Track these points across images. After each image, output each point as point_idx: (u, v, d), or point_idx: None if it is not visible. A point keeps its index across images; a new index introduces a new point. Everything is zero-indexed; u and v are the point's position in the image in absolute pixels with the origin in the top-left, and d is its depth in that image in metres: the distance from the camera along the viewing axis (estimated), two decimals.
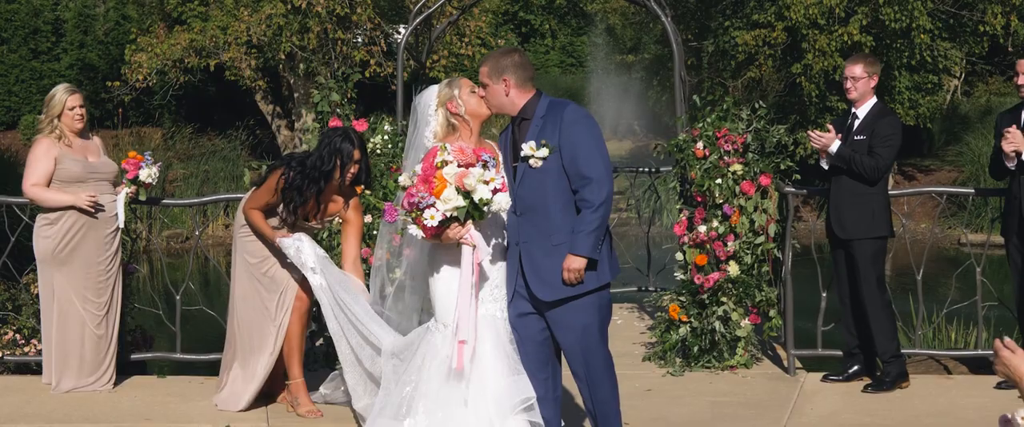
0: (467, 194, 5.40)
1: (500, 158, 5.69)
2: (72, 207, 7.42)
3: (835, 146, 7.35)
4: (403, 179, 5.63)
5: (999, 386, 7.32)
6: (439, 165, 5.48)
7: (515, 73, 5.58)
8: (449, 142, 5.67)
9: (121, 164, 7.76)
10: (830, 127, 7.45)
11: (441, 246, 5.65)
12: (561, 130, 5.47)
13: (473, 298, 5.57)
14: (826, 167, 7.48)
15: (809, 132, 7.54)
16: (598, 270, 5.53)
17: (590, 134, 5.51)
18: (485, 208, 5.43)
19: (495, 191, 5.42)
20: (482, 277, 5.63)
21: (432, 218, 5.43)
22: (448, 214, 5.43)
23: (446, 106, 5.79)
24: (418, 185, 5.50)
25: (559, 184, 5.48)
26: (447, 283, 5.67)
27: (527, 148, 5.49)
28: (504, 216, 5.66)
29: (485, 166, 5.47)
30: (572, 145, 5.46)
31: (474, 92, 5.76)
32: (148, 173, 7.69)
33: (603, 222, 5.47)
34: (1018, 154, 7.25)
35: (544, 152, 5.47)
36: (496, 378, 5.57)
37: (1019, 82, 7.42)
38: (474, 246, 5.53)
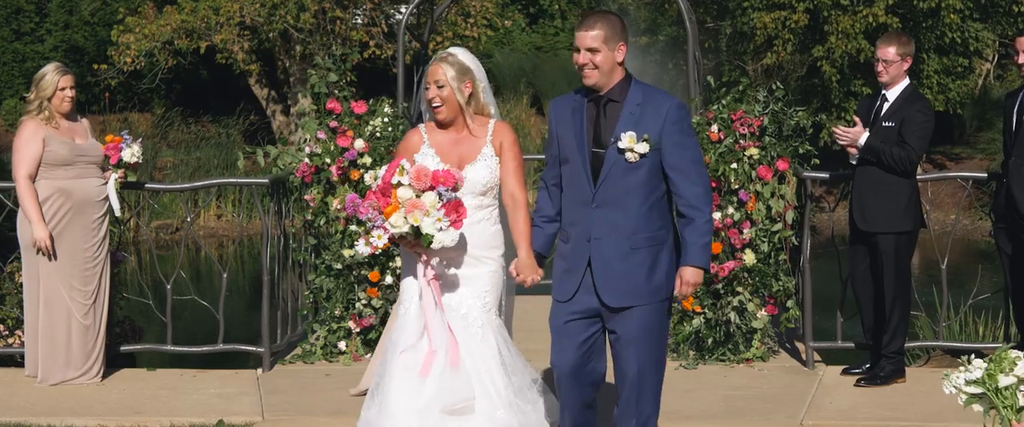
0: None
1: (461, 183, 5.63)
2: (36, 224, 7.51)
3: (863, 138, 7.31)
4: (368, 178, 5.75)
5: None
6: (395, 185, 5.55)
7: (627, 43, 5.38)
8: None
9: (102, 150, 7.80)
10: (856, 119, 7.41)
11: None
12: (665, 126, 5.27)
13: (438, 307, 5.67)
14: (854, 162, 7.48)
15: (834, 129, 7.50)
16: (670, 277, 5.43)
17: (693, 134, 5.41)
18: (428, 244, 5.51)
19: (441, 230, 5.47)
20: (445, 283, 5.75)
21: (379, 238, 5.56)
22: (396, 236, 5.57)
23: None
24: (375, 196, 5.60)
25: (649, 181, 5.31)
26: (407, 268, 5.83)
27: (626, 139, 5.25)
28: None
29: (440, 196, 5.49)
30: (678, 146, 5.30)
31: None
32: (131, 153, 7.75)
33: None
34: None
35: (644, 148, 5.25)
36: (439, 373, 5.69)
37: (1019, 61, 7.34)
38: (426, 262, 5.64)
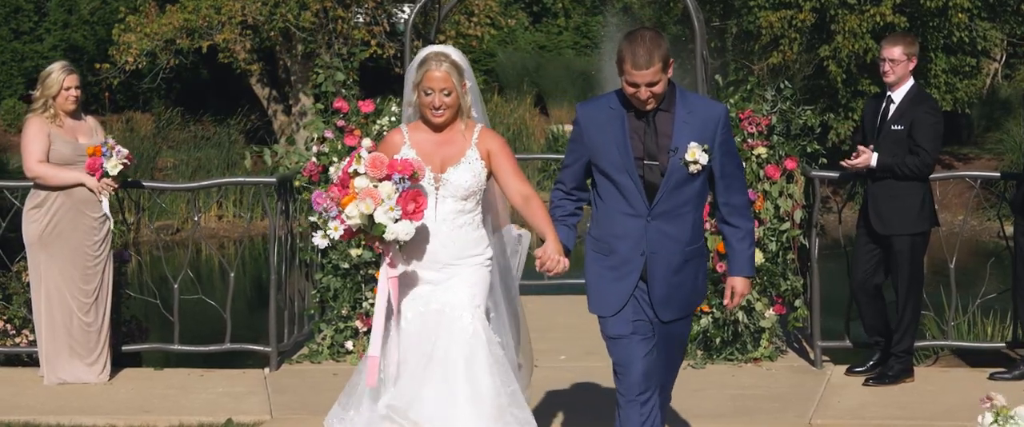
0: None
1: (422, 172, 5.49)
2: (81, 185, 7.62)
3: (874, 160, 7.38)
4: (332, 170, 5.58)
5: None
6: (352, 174, 5.44)
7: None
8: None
9: (85, 166, 7.74)
10: (860, 148, 7.45)
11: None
12: (718, 134, 5.20)
13: (392, 309, 5.58)
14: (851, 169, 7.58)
15: (843, 162, 7.54)
16: (705, 287, 5.50)
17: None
18: (383, 235, 5.38)
19: (396, 220, 5.34)
20: (430, 285, 5.64)
21: (335, 230, 5.46)
22: (353, 229, 5.45)
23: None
24: (334, 189, 5.50)
25: (702, 191, 5.25)
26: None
27: (692, 151, 5.15)
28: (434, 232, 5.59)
29: (396, 186, 5.36)
30: (729, 154, 5.27)
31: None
32: (113, 164, 7.69)
33: None
34: None
35: (705, 158, 5.17)
36: (397, 382, 5.58)
37: None
38: (385, 253, 5.54)
